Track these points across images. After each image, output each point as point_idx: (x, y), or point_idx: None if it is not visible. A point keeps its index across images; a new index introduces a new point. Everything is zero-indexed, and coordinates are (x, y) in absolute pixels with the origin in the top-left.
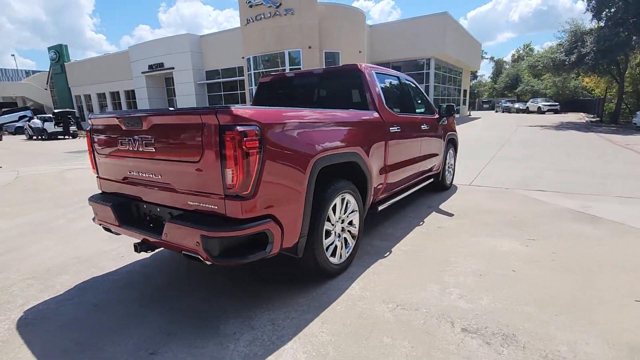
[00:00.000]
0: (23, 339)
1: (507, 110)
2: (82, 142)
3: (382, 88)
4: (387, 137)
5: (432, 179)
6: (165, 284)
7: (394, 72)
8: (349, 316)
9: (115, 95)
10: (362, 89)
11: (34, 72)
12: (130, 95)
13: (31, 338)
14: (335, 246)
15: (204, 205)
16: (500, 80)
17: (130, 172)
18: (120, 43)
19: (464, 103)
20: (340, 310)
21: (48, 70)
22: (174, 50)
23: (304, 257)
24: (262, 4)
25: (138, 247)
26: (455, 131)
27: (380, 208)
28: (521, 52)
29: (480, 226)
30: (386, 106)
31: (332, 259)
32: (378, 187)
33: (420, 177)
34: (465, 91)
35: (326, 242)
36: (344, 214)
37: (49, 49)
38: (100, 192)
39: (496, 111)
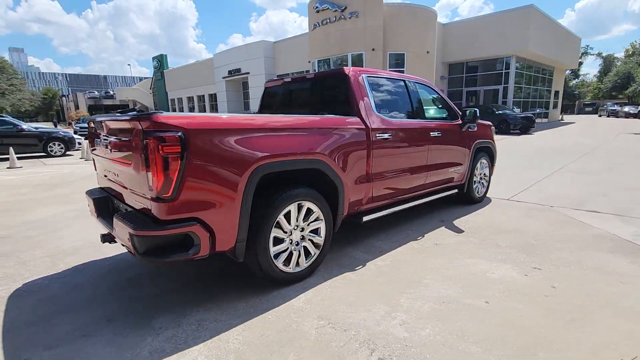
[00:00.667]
0: (5, 307)
1: (614, 114)
2: None
3: (376, 93)
4: (373, 144)
5: (454, 190)
6: (139, 274)
7: (398, 75)
8: (273, 327)
9: (201, 99)
10: (347, 94)
11: (145, 78)
12: (213, 98)
13: (11, 307)
14: (291, 254)
15: (143, 205)
16: (607, 80)
17: (105, 170)
18: (216, 51)
19: (555, 106)
20: (270, 319)
21: (152, 76)
22: (250, 56)
23: (248, 261)
24: (328, 8)
25: (102, 238)
26: (490, 139)
27: (365, 219)
28: (637, 45)
29: (486, 247)
30: (376, 112)
31: (283, 267)
32: (360, 197)
33: (433, 188)
34: (557, 92)
35: (276, 249)
36: (304, 222)
37: (153, 58)
38: (98, 186)
39: (600, 115)
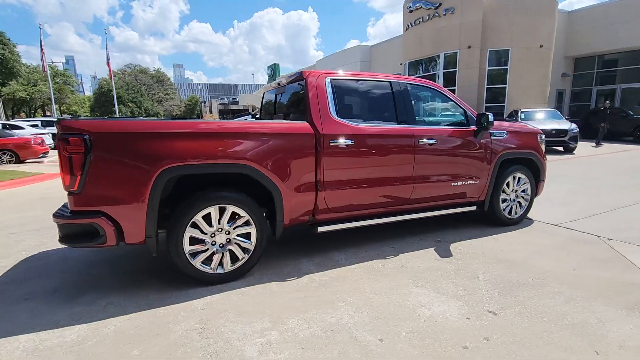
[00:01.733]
0: None
1: None
2: None
3: (345, 97)
4: (325, 151)
5: (471, 208)
6: (110, 258)
7: (383, 76)
8: (153, 322)
9: None
10: (303, 98)
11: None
12: None
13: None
14: (213, 254)
15: None
16: None
17: None
18: None
19: None
20: (158, 314)
21: (266, 84)
22: (347, 61)
23: (170, 256)
24: (421, 7)
25: None
26: (533, 150)
27: (320, 229)
28: None
29: (455, 278)
30: (335, 116)
31: (202, 267)
32: (307, 206)
33: (430, 203)
34: None
35: (193, 248)
36: (229, 225)
37: (268, 67)
38: None
39: None
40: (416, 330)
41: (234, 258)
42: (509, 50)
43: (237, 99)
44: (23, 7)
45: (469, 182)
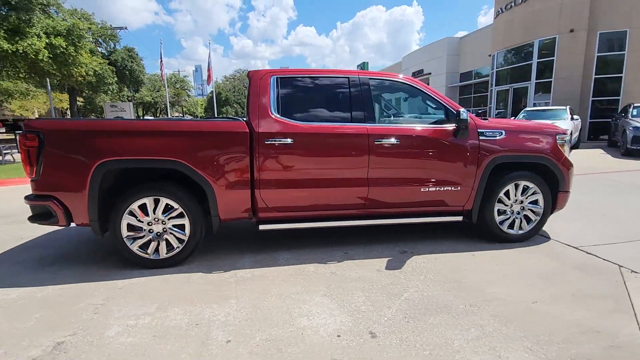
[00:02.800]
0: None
1: None
2: None
3: (290, 95)
4: (259, 149)
5: (456, 218)
6: (86, 240)
7: (338, 72)
8: (57, 295)
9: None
10: (247, 97)
11: None
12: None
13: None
14: (150, 241)
15: None
16: None
17: None
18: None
19: None
20: (68, 289)
21: None
22: (432, 55)
23: (111, 239)
24: None
25: None
26: (545, 154)
27: (262, 227)
28: None
29: (376, 294)
30: (275, 114)
31: (139, 252)
32: (243, 204)
33: (396, 210)
34: None
35: (131, 234)
36: (164, 216)
37: (357, 65)
38: None
39: None
40: (273, 339)
41: (170, 246)
42: (626, 32)
43: None
44: (167, 25)
45: (445, 188)
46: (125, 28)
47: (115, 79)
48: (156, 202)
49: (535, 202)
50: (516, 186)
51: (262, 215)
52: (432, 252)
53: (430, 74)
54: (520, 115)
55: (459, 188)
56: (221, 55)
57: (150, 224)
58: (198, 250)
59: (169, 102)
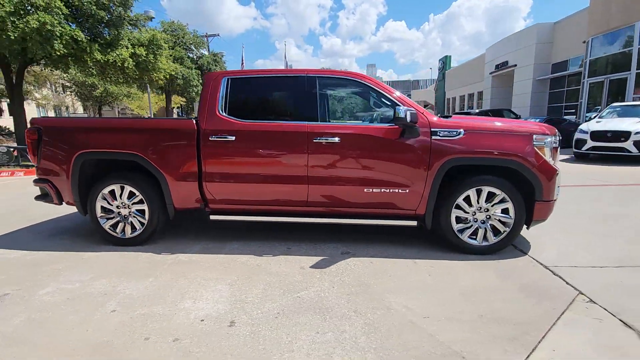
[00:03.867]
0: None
1: None
2: None
3: (239, 94)
4: (205, 145)
5: (409, 223)
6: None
7: (285, 72)
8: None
9: (470, 97)
10: None
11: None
12: (479, 96)
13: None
14: (119, 222)
15: None
16: None
17: None
18: None
19: None
20: (39, 253)
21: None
22: (519, 45)
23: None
24: None
25: None
26: (515, 156)
27: (212, 218)
28: None
29: (253, 288)
30: (221, 113)
31: (110, 230)
32: (193, 195)
33: (343, 209)
34: None
35: (103, 215)
36: (128, 200)
37: (439, 60)
38: None
39: None
40: (148, 314)
41: (133, 228)
42: None
43: (410, 95)
44: (264, 29)
45: (392, 190)
46: (218, 35)
47: (201, 81)
48: (122, 188)
49: (506, 211)
50: (479, 192)
51: (212, 207)
52: (374, 255)
53: (515, 65)
54: (606, 112)
55: (407, 190)
56: (311, 55)
57: (118, 207)
58: (168, 233)
59: None
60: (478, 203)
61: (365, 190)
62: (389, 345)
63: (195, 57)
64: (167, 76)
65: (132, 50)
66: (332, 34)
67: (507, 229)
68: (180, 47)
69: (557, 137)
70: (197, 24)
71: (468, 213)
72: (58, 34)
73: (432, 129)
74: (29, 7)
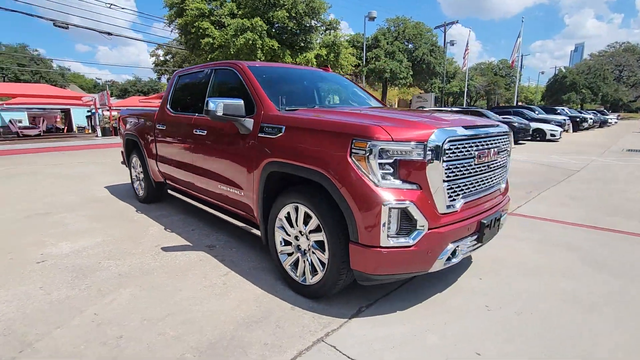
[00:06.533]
0: None
1: None
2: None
3: (180, 90)
4: (155, 131)
5: (255, 230)
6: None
7: (204, 66)
8: None
9: None
10: None
11: None
12: None
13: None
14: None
15: None
16: None
17: None
18: None
19: None
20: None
21: None
22: None
23: None
24: None
25: None
26: (322, 168)
27: (169, 191)
28: None
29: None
30: (167, 106)
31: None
32: (155, 169)
33: (223, 204)
34: None
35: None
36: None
37: None
38: None
39: None
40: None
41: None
42: None
43: None
44: (551, 3)
45: (231, 190)
46: (450, 23)
47: (411, 72)
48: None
49: (321, 245)
50: (296, 209)
51: (168, 183)
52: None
53: None
54: None
55: (242, 193)
56: (618, 27)
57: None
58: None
59: (484, 91)
60: (297, 225)
61: (219, 186)
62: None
63: (412, 49)
64: (349, 71)
65: (317, 52)
66: None
67: (323, 272)
68: (399, 41)
69: (418, 144)
70: (467, 11)
71: (289, 235)
72: (259, 46)
73: (262, 124)
74: (242, 29)
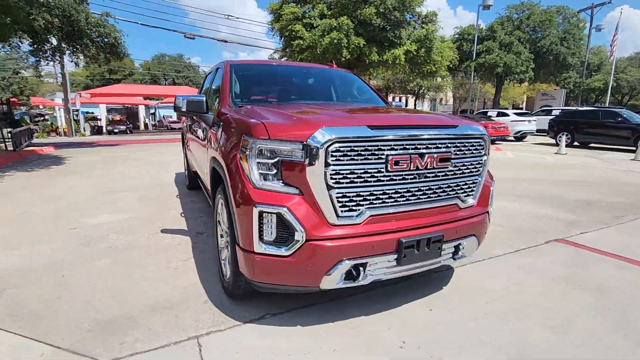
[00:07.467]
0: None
1: None
2: None
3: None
4: (186, 126)
5: None
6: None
7: (214, 68)
8: None
9: None
10: None
11: None
12: None
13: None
14: None
15: None
16: None
17: None
18: None
19: None
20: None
21: None
22: None
23: None
24: None
25: None
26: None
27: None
28: None
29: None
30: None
31: None
32: (190, 160)
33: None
34: None
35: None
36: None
37: None
38: None
39: None
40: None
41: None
42: None
43: None
44: None
45: (205, 178)
46: (600, 4)
47: (532, 66)
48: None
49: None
50: (222, 205)
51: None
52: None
53: None
54: None
55: (208, 185)
56: None
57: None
58: None
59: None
60: (223, 220)
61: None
62: None
63: (537, 38)
64: (444, 67)
65: (406, 48)
66: None
67: (230, 271)
68: (521, 30)
69: (296, 144)
70: None
71: (222, 230)
72: (345, 45)
73: (215, 119)
74: (329, 29)
